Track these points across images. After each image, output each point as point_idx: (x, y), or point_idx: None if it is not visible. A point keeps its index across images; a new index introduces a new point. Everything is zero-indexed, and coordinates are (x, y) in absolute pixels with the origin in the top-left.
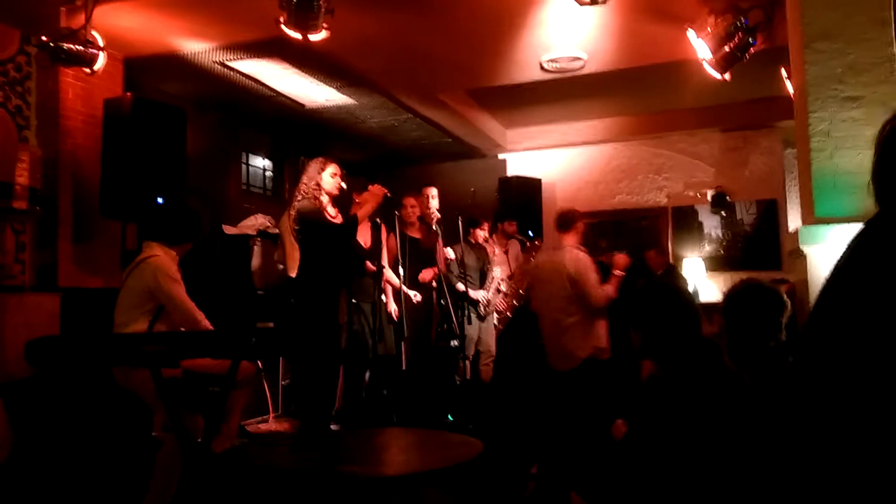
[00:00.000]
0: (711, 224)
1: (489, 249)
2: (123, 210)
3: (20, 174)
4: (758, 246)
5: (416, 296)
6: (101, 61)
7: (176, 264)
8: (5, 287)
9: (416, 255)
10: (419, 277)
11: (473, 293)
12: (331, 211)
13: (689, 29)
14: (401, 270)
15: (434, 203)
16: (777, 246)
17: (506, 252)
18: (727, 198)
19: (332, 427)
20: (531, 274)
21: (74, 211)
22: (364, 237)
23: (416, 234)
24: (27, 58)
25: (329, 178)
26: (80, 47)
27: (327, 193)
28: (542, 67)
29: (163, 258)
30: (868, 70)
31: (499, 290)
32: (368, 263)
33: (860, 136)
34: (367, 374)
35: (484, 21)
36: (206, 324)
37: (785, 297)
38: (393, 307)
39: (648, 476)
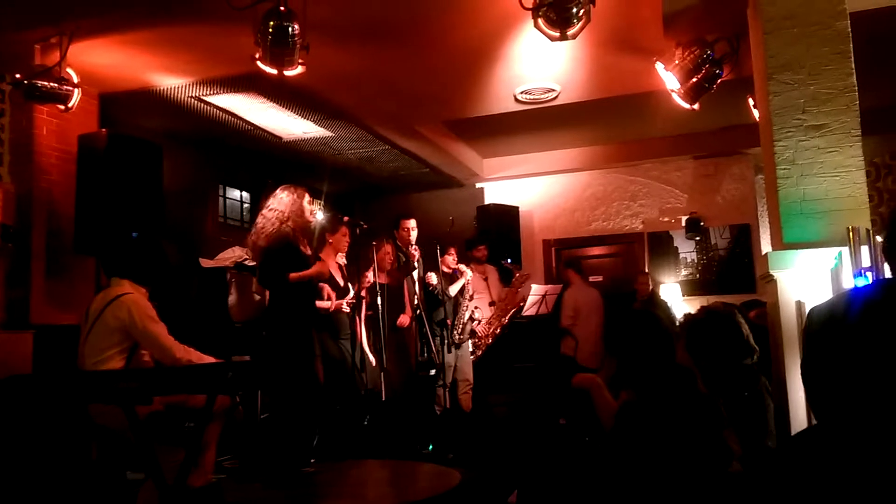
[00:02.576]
0: (686, 249)
1: (462, 277)
2: (97, 246)
3: None
4: (732, 270)
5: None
6: (75, 98)
7: (147, 301)
8: None
9: (385, 299)
10: (398, 323)
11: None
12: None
13: (658, 62)
14: (379, 300)
15: (413, 234)
16: (751, 269)
17: (485, 279)
18: (701, 223)
19: (311, 461)
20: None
21: (48, 247)
22: (336, 275)
23: (383, 280)
24: (1, 95)
25: (308, 204)
26: (55, 84)
27: (307, 221)
28: (516, 99)
29: (137, 296)
30: (830, 100)
31: (472, 319)
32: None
33: (824, 164)
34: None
35: (458, 55)
36: (193, 358)
37: (739, 318)
38: (371, 359)
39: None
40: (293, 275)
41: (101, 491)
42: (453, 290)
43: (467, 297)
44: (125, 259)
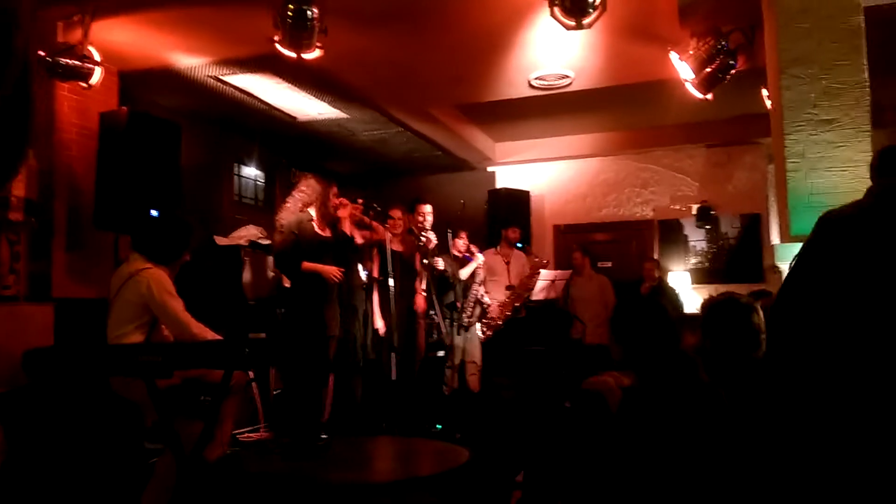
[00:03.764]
0: (696, 237)
1: (474, 260)
2: (117, 222)
3: (15, 186)
4: (741, 259)
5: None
6: (97, 76)
7: (168, 277)
8: None
9: (398, 268)
10: (415, 307)
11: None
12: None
13: (672, 52)
14: (391, 282)
15: (429, 220)
16: (759, 259)
17: (507, 263)
18: (712, 212)
19: (322, 436)
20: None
21: (69, 222)
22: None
23: (398, 247)
24: None
25: (334, 197)
26: (77, 62)
27: (329, 211)
28: (530, 85)
29: (156, 271)
30: (841, 94)
31: (479, 302)
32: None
33: (834, 158)
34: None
35: (473, 39)
36: (208, 335)
37: (760, 312)
38: (380, 324)
39: (631, 486)
40: (305, 264)
41: (119, 461)
42: (464, 273)
43: (478, 280)
44: (151, 236)
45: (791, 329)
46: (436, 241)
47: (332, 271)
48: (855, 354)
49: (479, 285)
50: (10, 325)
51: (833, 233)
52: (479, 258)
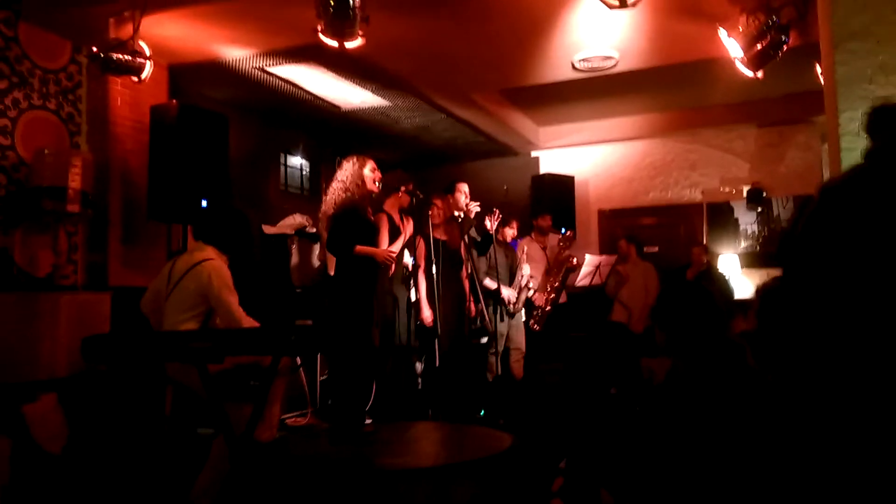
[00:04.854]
0: (747, 220)
1: (518, 247)
2: (169, 213)
3: (73, 179)
4: None
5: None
6: (147, 70)
7: (228, 270)
8: (59, 286)
9: (443, 258)
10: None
11: (503, 291)
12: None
13: (721, 28)
14: (434, 269)
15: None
16: None
17: (544, 248)
18: (764, 193)
19: (367, 421)
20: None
21: (123, 213)
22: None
23: (442, 236)
24: (78, 67)
25: (370, 172)
26: (129, 57)
27: (369, 190)
28: (573, 67)
29: (219, 263)
30: None
31: (528, 287)
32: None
33: None
34: (419, 366)
35: (515, 22)
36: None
37: None
38: (427, 313)
39: (675, 473)
40: (359, 248)
41: (174, 444)
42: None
43: (522, 266)
44: (216, 226)
45: (801, 306)
46: (477, 209)
47: (385, 254)
48: (863, 324)
49: (525, 272)
50: (70, 313)
51: (833, 201)
52: (526, 246)
